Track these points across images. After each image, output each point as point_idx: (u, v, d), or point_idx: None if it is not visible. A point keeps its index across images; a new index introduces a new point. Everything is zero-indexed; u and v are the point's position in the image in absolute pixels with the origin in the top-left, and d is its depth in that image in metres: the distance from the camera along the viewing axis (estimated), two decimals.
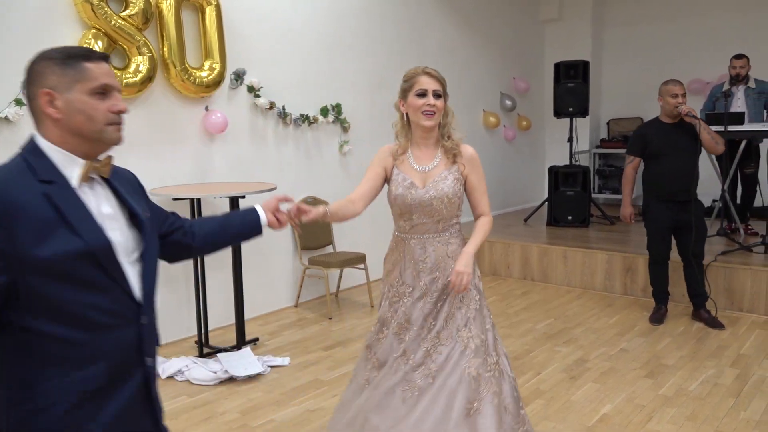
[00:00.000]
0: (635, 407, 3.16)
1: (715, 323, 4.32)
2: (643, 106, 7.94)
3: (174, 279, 4.23)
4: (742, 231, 5.58)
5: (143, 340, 1.39)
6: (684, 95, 4.15)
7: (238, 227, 1.75)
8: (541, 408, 3.18)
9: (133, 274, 1.38)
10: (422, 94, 2.27)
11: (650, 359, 3.79)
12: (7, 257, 1.20)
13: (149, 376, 1.41)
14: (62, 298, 1.26)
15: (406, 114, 2.35)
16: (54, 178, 1.29)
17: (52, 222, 1.24)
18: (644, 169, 4.43)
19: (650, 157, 4.29)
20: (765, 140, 5.59)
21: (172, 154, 4.18)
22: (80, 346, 1.29)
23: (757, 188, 5.82)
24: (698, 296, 4.40)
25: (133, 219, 1.42)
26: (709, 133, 4.13)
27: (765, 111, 5.81)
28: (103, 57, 1.36)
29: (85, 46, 1.54)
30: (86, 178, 1.33)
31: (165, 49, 3.98)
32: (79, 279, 1.27)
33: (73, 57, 1.31)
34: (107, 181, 1.40)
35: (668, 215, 4.24)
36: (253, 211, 1.77)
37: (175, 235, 1.63)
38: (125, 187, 1.45)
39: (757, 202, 5.87)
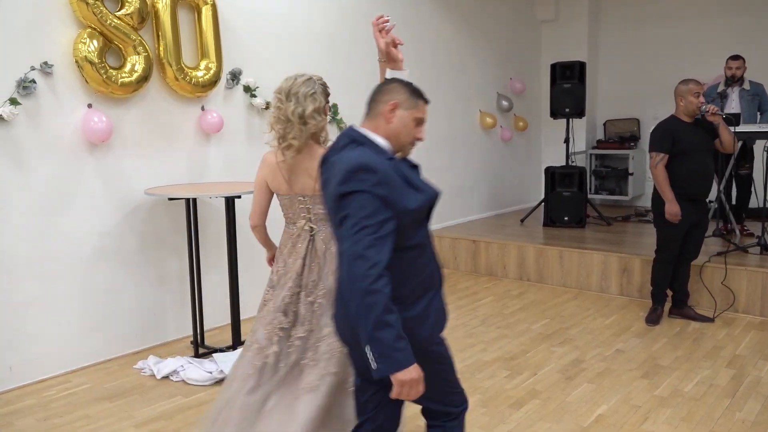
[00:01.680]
0: (631, 408, 3.17)
1: (705, 318, 4.44)
2: (639, 107, 7.97)
3: (169, 279, 4.22)
4: (737, 232, 5.59)
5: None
6: (702, 94, 4.16)
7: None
8: (536, 408, 3.18)
9: None
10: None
11: (646, 360, 3.79)
12: (393, 208, 1.68)
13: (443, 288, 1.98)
14: (412, 232, 1.78)
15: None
16: (391, 156, 1.81)
17: (403, 185, 1.75)
18: (666, 167, 4.19)
19: (676, 155, 4.15)
20: (758, 141, 5.61)
21: (167, 153, 4.16)
22: (424, 262, 1.83)
23: (752, 189, 5.83)
24: (685, 293, 4.48)
25: None
26: (728, 132, 4.16)
27: (758, 113, 5.84)
28: (427, 101, 1.92)
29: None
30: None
31: (161, 48, 3.97)
32: (419, 219, 1.80)
33: (417, 93, 1.87)
34: None
35: (688, 214, 4.19)
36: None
37: None
38: None
39: (752, 203, 5.88)
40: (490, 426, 3.00)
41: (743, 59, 5.76)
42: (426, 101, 1.90)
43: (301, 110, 2.39)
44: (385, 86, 1.90)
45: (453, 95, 6.73)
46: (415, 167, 1.89)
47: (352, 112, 5.38)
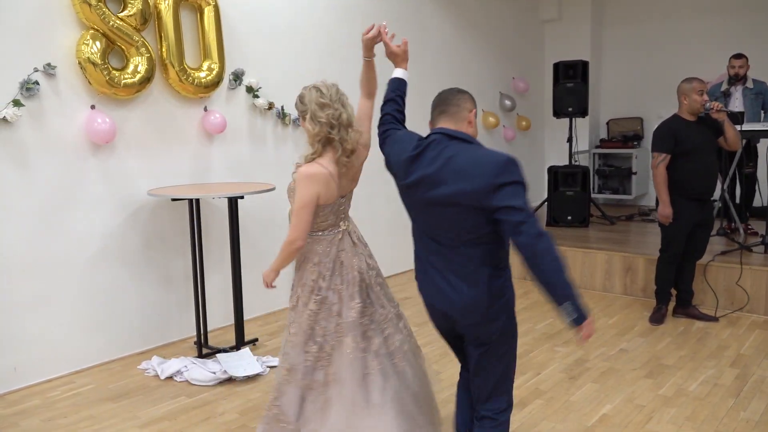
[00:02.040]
0: (635, 407, 3.16)
1: (709, 317, 4.43)
2: (642, 106, 7.95)
3: (172, 279, 4.22)
4: (741, 231, 5.58)
5: None
6: (705, 92, 4.14)
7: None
8: (540, 408, 3.17)
9: None
10: None
11: (650, 359, 3.78)
12: None
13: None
14: None
15: None
16: None
17: None
18: (669, 166, 4.20)
19: (679, 154, 4.13)
20: (762, 140, 5.60)
21: (170, 154, 4.17)
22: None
23: (756, 188, 5.82)
24: (690, 292, 4.47)
25: None
26: (733, 128, 4.13)
27: (762, 111, 5.82)
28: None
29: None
30: None
31: (163, 49, 3.97)
32: None
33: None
34: None
35: (691, 214, 4.19)
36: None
37: None
38: None
39: (757, 202, 5.87)
40: None
41: (746, 57, 5.74)
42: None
43: (347, 115, 2.43)
44: (460, 95, 2.17)
45: None
46: None
47: (355, 112, 5.37)
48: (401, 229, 6.65)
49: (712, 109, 4.08)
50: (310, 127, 2.40)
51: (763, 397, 3.24)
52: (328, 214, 2.48)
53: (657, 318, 4.43)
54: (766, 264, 4.64)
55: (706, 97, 4.11)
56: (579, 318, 1.93)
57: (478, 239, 2.05)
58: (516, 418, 3.06)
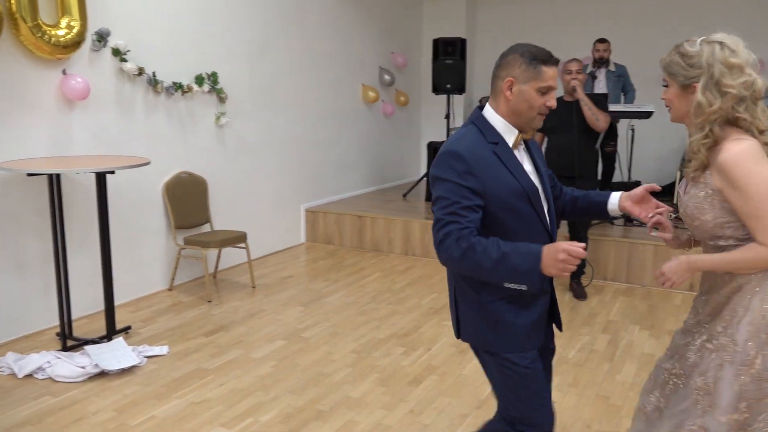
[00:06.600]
0: None
1: (579, 294, 4.56)
2: None
3: (29, 264, 3.75)
4: None
5: None
6: (579, 72, 4.28)
7: (586, 205, 2.05)
8: (435, 384, 3.19)
9: (546, 213, 1.88)
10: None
11: None
12: (480, 193, 1.73)
13: (554, 297, 2.01)
14: (505, 221, 1.78)
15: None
16: (498, 140, 1.81)
17: (500, 170, 1.77)
18: None
19: (547, 133, 4.49)
20: (622, 120, 6.02)
21: (23, 123, 3.67)
22: None
23: (616, 165, 6.26)
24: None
25: (539, 174, 1.92)
26: (590, 109, 4.26)
27: (622, 93, 6.26)
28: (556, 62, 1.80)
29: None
30: (516, 145, 1.84)
31: (12, 1, 3.45)
32: (515, 210, 1.78)
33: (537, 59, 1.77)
34: (526, 145, 1.93)
35: None
36: (606, 194, 2.01)
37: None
38: (536, 152, 1.95)
39: (616, 178, 6.32)
40: (392, 404, 2.97)
41: (609, 42, 6.11)
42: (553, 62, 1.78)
43: (763, 83, 1.71)
44: (502, 59, 1.82)
45: (336, 68, 6.57)
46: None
47: (233, 82, 5.07)
48: (284, 205, 6.42)
49: (569, 89, 4.30)
50: (707, 101, 1.65)
51: (633, 360, 3.49)
52: None
53: None
54: (626, 236, 5.02)
55: (573, 75, 4.27)
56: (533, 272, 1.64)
57: None
58: (412, 396, 3.05)
